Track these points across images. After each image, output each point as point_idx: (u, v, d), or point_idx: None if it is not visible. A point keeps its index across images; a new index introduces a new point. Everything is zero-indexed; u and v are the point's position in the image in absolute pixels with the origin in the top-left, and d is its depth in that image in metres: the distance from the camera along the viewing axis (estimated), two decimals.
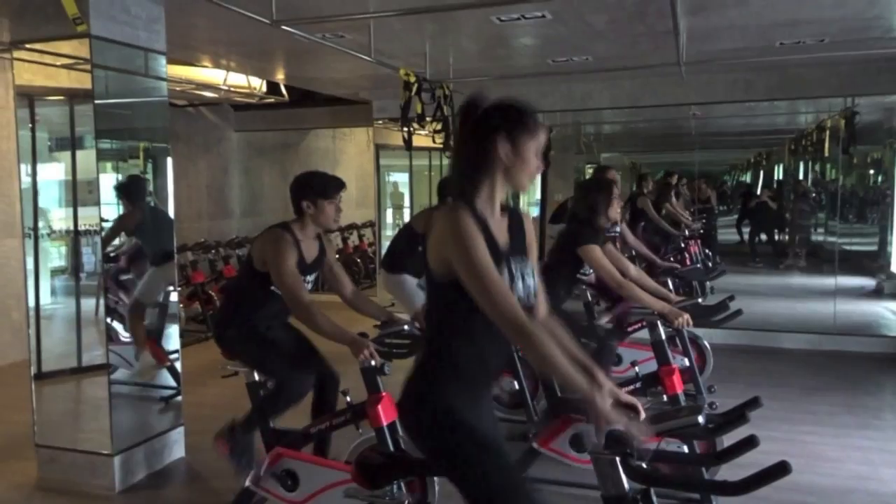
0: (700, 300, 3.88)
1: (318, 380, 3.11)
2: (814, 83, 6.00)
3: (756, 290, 8.68)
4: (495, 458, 1.75)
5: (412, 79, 4.80)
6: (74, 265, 3.67)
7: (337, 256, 8.70)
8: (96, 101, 3.36)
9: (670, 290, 4.77)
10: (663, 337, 3.31)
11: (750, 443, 1.27)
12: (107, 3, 3.34)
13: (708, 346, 4.76)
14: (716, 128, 10.73)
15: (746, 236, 11.70)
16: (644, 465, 1.57)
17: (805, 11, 3.99)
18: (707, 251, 8.80)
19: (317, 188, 2.97)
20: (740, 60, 5.34)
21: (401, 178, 9.81)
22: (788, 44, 4.79)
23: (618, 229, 5.07)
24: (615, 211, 3.62)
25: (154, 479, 3.65)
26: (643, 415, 1.69)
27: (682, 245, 7.03)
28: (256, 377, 3.05)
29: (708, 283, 7.31)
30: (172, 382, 4.03)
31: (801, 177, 12.19)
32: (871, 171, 10.12)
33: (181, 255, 6.90)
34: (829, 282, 7.60)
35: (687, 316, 3.29)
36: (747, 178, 18.02)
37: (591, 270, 3.61)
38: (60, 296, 3.75)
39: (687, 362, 4.27)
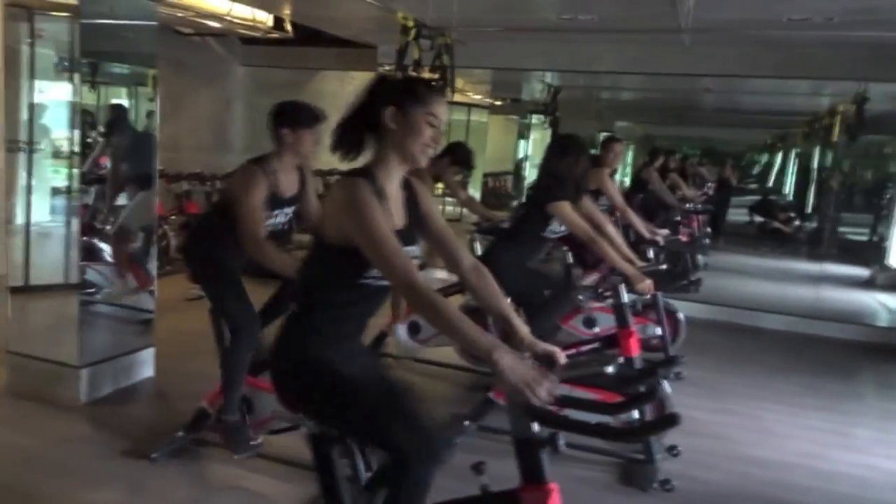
0: (663, 268, 3.89)
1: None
2: (824, 64, 5.87)
3: (747, 271, 8.70)
4: (364, 387, 1.82)
5: (410, 23, 4.73)
6: (69, 186, 3.71)
7: None
8: (82, 21, 3.35)
9: (649, 260, 4.80)
10: (625, 300, 3.34)
11: (670, 420, 1.29)
12: None
13: (683, 317, 4.78)
14: (730, 104, 10.59)
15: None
16: (552, 410, 1.61)
17: None
18: (708, 229, 8.80)
19: (297, 116, 2.97)
20: (747, 32, 5.23)
21: None
22: (796, 19, 4.68)
23: (604, 201, 5.05)
24: (581, 169, 3.60)
25: (120, 395, 3.76)
26: (561, 361, 1.73)
27: (679, 219, 7.00)
28: None
29: (700, 258, 7.33)
30: (150, 306, 4.11)
31: (814, 163, 12.06)
32: (878, 161, 10.02)
33: (176, 184, 6.94)
34: (817, 268, 7.60)
35: (650, 282, 3.31)
36: (762, 160, 17.79)
37: (561, 229, 3.62)
38: (60, 214, 3.79)
39: (659, 331, 4.32)
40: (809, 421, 4.09)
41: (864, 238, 9.48)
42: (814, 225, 10.75)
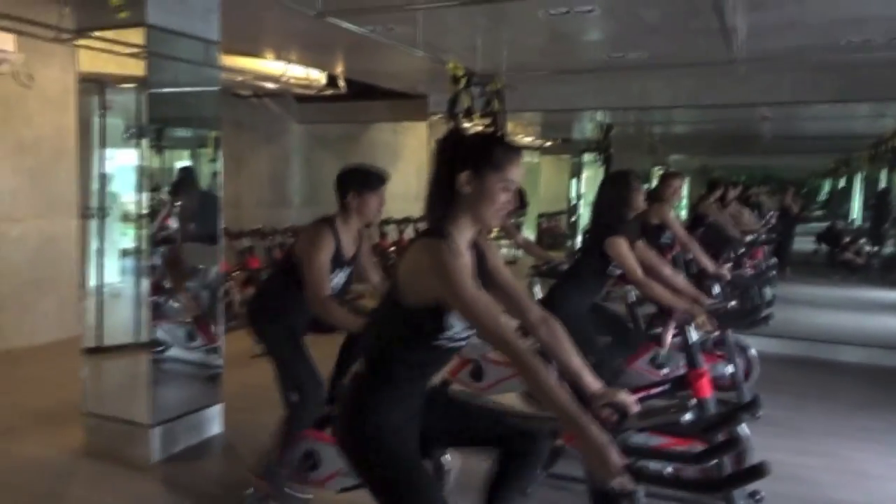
0: (731, 304, 3.75)
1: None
2: (887, 85, 5.69)
3: (819, 301, 8.34)
4: (413, 480, 1.83)
5: (460, 72, 4.81)
6: (138, 247, 3.85)
7: (393, 249, 8.88)
8: (150, 91, 3.52)
9: (715, 296, 4.65)
10: (694, 339, 3.22)
11: (758, 471, 1.22)
12: None
13: (755, 353, 4.61)
14: (789, 131, 10.34)
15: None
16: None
17: (870, 8, 3.81)
18: (774, 260, 8.51)
19: (361, 180, 3.03)
20: (804, 58, 5.13)
21: None
22: (856, 42, 4.57)
23: (669, 235, 4.97)
24: (638, 201, 3.57)
25: (191, 452, 3.81)
26: (634, 411, 1.67)
27: (743, 251, 6.79)
28: None
29: (768, 290, 7.08)
30: (218, 362, 4.19)
31: (883, 185, 11.61)
32: None
33: (238, 240, 7.13)
34: (894, 295, 7.23)
35: (705, 316, 3.20)
36: (825, 186, 17.21)
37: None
38: (129, 275, 3.92)
39: (730, 369, 4.16)
40: None
41: None
42: (888, 250, 10.29)
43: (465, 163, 1.76)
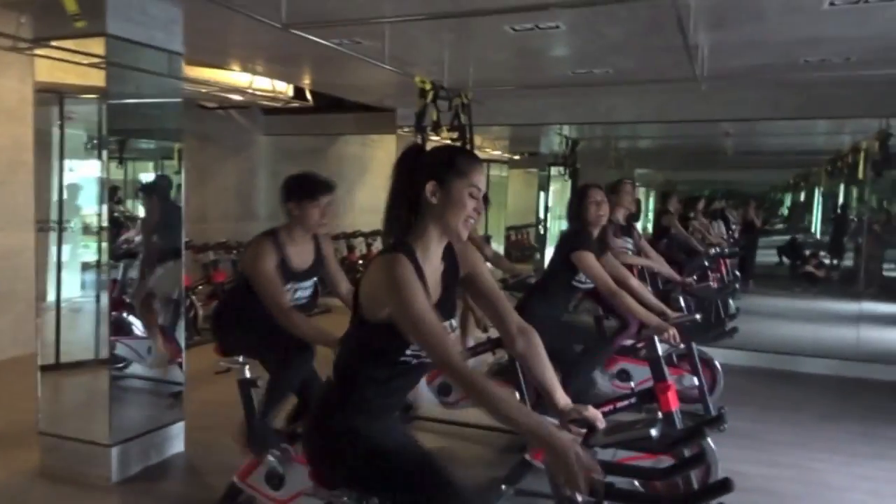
0: (697, 317, 3.79)
1: (302, 383, 3.11)
2: (844, 103, 5.84)
3: (781, 314, 8.49)
4: (404, 457, 1.81)
5: (428, 86, 4.81)
6: (99, 261, 3.75)
7: (361, 262, 8.82)
8: (109, 101, 3.45)
9: (681, 308, 4.71)
10: (659, 353, 3.25)
11: (723, 487, 1.21)
12: (124, 4, 3.43)
13: (719, 366, 4.67)
14: (751, 146, 10.58)
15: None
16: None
17: (826, 29, 3.90)
18: (736, 272, 8.65)
19: (300, 190, 2.97)
20: (765, 77, 5.24)
21: None
22: (813, 61, 4.68)
23: (630, 245, 5.02)
24: (593, 215, 3.60)
25: (151, 472, 3.70)
26: (600, 427, 1.67)
27: (707, 264, 6.89)
28: (248, 374, 3.07)
29: (732, 303, 7.18)
30: (180, 378, 4.09)
31: (840, 200, 11.91)
32: None
33: (202, 254, 7.02)
34: (855, 307, 7.39)
35: (674, 331, 3.24)
36: (786, 200, 17.62)
37: (588, 280, 3.58)
38: (90, 289, 3.82)
39: (696, 381, 4.20)
40: (865, 470, 3.90)
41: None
42: (847, 263, 10.54)
43: (430, 174, 1.75)
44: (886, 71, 4.84)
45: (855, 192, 9.89)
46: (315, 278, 3.13)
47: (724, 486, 1.28)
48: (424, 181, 1.74)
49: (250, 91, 6.44)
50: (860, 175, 7.42)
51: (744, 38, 4.18)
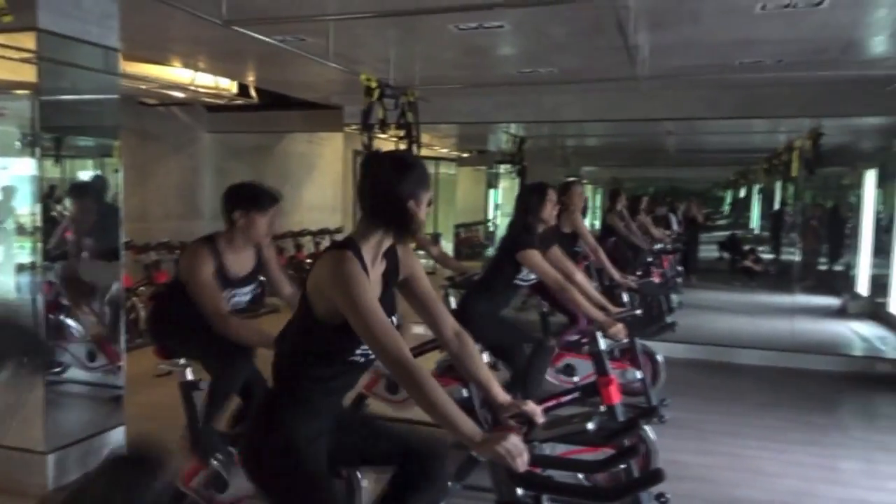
0: (638, 312, 3.90)
1: (244, 384, 3.08)
2: (778, 103, 6.06)
3: (722, 307, 8.76)
4: (321, 497, 1.83)
5: (374, 84, 4.80)
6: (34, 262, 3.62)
7: (309, 260, 8.72)
8: (42, 98, 3.34)
9: (624, 304, 4.81)
10: (602, 347, 3.32)
11: (654, 477, 1.26)
12: None
13: (661, 359, 4.79)
14: (692, 144, 10.86)
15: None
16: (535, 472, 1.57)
17: (758, 31, 4.04)
18: (679, 268, 8.88)
19: (248, 200, 2.92)
20: (702, 77, 5.40)
21: None
22: (748, 63, 4.84)
23: (581, 245, 5.11)
24: (548, 213, 3.65)
25: None
26: (539, 421, 1.70)
27: (651, 260, 7.06)
28: (189, 377, 3.02)
29: (675, 297, 7.37)
30: (120, 382, 3.99)
31: (777, 196, 12.34)
32: (838, 192, 10.29)
33: (143, 254, 6.85)
34: (790, 300, 7.69)
35: (620, 326, 3.31)
36: (727, 197, 18.21)
37: (531, 276, 3.64)
38: (26, 292, 3.69)
39: (639, 374, 4.31)
40: (796, 457, 4.06)
41: (833, 268, 9.66)
42: (782, 257, 10.95)
43: (412, 191, 1.81)
44: (816, 73, 5.04)
45: (791, 189, 10.28)
46: (254, 285, 3.09)
47: (655, 476, 1.33)
48: (408, 198, 1.80)
49: (192, 88, 6.31)
50: (794, 172, 7.71)
51: (682, 40, 4.30)
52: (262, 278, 3.14)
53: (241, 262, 2.98)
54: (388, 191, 1.81)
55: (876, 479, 3.78)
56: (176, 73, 6.09)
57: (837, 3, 3.47)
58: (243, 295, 3.04)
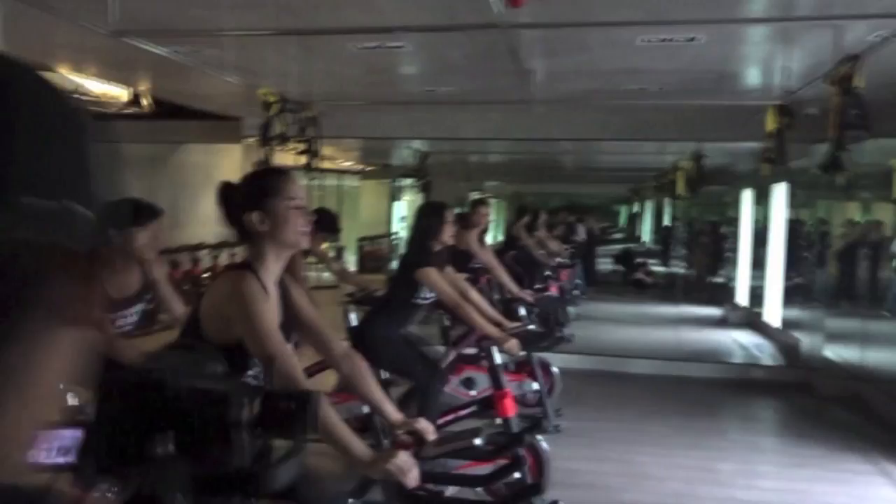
0: (531, 326, 4.05)
1: None
2: (662, 127, 6.45)
3: (615, 318, 9.16)
4: None
5: (273, 98, 4.75)
6: None
7: (206, 275, 8.42)
8: None
9: (521, 318, 4.96)
10: (497, 361, 3.42)
11: (533, 489, 1.34)
12: None
13: (556, 371, 4.95)
14: (588, 163, 11.35)
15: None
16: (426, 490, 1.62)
17: (640, 61, 4.31)
18: (578, 281, 9.21)
19: (125, 215, 2.83)
20: (593, 101, 5.67)
21: None
22: (633, 89, 5.14)
23: (479, 260, 5.23)
24: (447, 234, 3.73)
25: None
26: (430, 438, 1.76)
27: (550, 273, 7.29)
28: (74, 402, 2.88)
29: (571, 310, 7.64)
30: None
31: (665, 213, 13.02)
32: (719, 209, 11.00)
33: None
34: (676, 310, 8.16)
35: (514, 341, 3.43)
36: (622, 212, 19.00)
37: (430, 295, 3.70)
38: None
39: (535, 386, 4.45)
40: (679, 460, 4.31)
41: (714, 280, 10.31)
42: (670, 270, 11.59)
43: (250, 205, 1.79)
44: (695, 101, 5.41)
45: (678, 206, 10.91)
46: (140, 305, 2.96)
47: (535, 488, 1.40)
48: (248, 213, 1.78)
49: (76, 96, 6.01)
50: (680, 191, 8.21)
51: (572, 66, 4.52)
52: (149, 296, 3.02)
53: (122, 283, 2.85)
54: (229, 215, 1.83)
55: (749, 478, 4.07)
56: (59, 80, 5.79)
57: (711, 39, 3.76)
58: (128, 317, 2.91)
